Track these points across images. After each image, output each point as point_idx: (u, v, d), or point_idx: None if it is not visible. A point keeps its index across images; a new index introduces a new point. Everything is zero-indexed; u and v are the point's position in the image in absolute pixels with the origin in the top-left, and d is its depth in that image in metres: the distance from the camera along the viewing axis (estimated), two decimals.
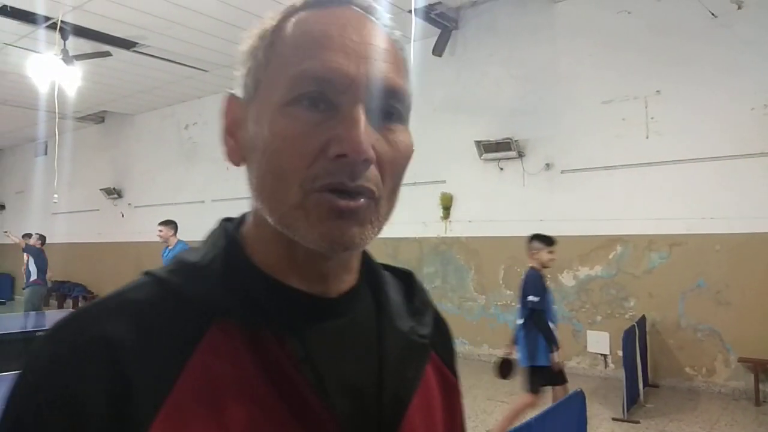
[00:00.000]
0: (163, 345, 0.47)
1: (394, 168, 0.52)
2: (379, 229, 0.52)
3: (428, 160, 7.28)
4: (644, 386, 5.40)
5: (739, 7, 5.60)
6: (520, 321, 4.15)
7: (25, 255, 9.33)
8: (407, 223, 7.60)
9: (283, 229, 0.51)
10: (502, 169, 7.09)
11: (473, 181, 7.29)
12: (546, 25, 6.81)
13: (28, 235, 9.92)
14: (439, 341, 0.65)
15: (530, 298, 4.02)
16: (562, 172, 6.66)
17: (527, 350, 4.03)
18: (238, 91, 0.55)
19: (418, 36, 6.42)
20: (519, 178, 6.96)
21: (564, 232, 5.74)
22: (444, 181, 7.49)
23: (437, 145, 7.34)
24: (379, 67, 0.50)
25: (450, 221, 7.51)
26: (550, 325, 4.04)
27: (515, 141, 6.84)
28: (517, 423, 3.88)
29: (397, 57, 0.53)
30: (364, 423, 0.53)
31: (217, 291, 0.50)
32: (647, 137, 6.10)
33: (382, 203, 0.51)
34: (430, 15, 7.06)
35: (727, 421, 4.82)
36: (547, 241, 4.18)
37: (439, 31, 7.35)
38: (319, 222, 0.49)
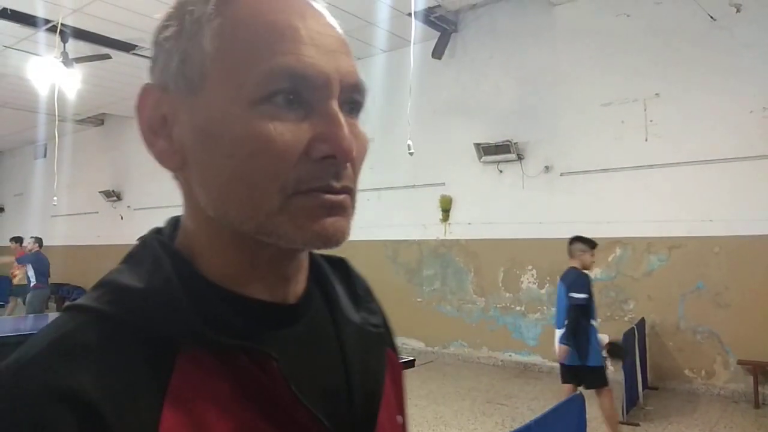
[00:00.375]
0: (134, 392, 0.41)
1: (360, 162, 0.51)
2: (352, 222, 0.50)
3: (428, 162, 7.30)
4: (643, 389, 5.39)
5: (738, 10, 5.61)
6: (565, 322, 4.14)
7: (18, 266, 9.11)
8: (407, 226, 7.62)
9: (261, 236, 0.47)
10: (501, 171, 7.10)
11: (473, 183, 7.30)
12: (545, 28, 6.82)
13: (17, 239, 9.77)
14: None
15: (575, 294, 4.06)
16: (562, 174, 6.66)
17: (577, 350, 4.04)
18: (164, 83, 0.50)
19: (417, 39, 6.42)
20: (518, 181, 6.96)
21: (563, 235, 5.70)
22: (443, 184, 7.50)
23: (437, 148, 7.36)
24: (345, 61, 0.48)
25: (449, 224, 7.52)
26: (593, 322, 4.12)
27: (514, 143, 6.85)
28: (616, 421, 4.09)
29: (349, 47, 0.51)
30: (346, 424, 0.52)
31: (181, 321, 0.45)
32: (646, 140, 6.10)
33: (355, 197, 0.50)
34: (429, 18, 7.08)
35: (726, 423, 4.82)
36: (591, 243, 4.32)
37: (438, 34, 7.37)
38: (310, 221, 0.46)
